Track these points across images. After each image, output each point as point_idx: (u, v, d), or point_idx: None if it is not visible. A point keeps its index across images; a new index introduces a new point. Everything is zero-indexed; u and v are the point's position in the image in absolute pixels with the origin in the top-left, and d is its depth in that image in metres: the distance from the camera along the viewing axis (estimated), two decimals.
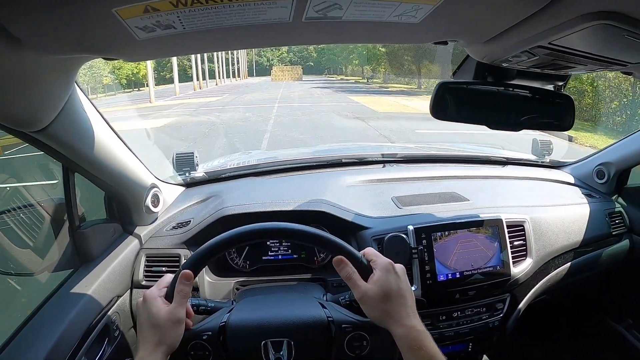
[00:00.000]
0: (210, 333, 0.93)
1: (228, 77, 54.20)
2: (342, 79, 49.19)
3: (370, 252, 0.92)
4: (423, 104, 18.10)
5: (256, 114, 14.98)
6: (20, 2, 0.50)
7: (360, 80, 43.90)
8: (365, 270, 0.88)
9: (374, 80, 42.20)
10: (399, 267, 0.88)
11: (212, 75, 44.58)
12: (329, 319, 0.98)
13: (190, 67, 39.41)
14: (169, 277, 0.91)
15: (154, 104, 22.62)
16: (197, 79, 37.67)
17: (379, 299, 0.84)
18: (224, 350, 0.94)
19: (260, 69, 77.74)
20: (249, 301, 1.09)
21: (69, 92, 0.96)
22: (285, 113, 15.45)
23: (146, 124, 14.42)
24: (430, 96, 1.08)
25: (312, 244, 0.95)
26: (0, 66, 0.67)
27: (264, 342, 0.94)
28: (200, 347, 0.92)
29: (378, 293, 0.84)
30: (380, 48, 33.31)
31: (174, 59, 29.21)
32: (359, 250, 0.93)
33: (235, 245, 0.94)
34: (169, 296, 0.88)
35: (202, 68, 38.23)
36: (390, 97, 24.51)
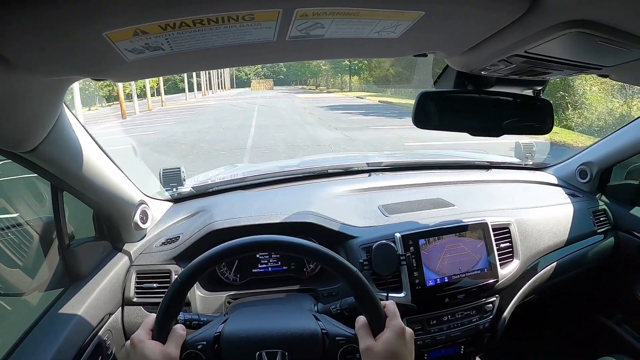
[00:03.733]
0: (204, 343, 0.92)
1: (218, 88, 62.85)
2: (302, 88, 63.70)
3: (390, 308, 0.92)
4: (338, 96, 35.19)
5: (250, 102, 27.96)
6: (12, 24, 0.51)
7: (312, 88, 59.13)
8: (379, 325, 0.89)
9: (321, 87, 57.80)
10: (409, 333, 0.89)
11: (199, 88, 50.42)
12: (323, 331, 0.98)
13: (182, 81, 46.89)
14: (152, 318, 0.90)
15: (198, 99, 37.97)
16: (206, 89, 49.03)
17: (381, 358, 0.85)
18: None
19: (240, 82, 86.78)
20: (243, 312, 1.09)
21: (58, 112, 0.96)
22: (263, 101, 28.71)
23: (215, 98, 33.14)
24: (412, 106, 1.10)
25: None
26: None
27: (258, 353, 0.93)
28: (194, 357, 0.92)
29: (382, 352, 0.85)
30: (322, 65, 50.92)
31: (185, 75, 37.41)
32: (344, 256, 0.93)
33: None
34: (159, 336, 0.87)
35: (197, 81, 45.91)
36: (321, 94, 39.47)
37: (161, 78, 31.42)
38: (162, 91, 32.49)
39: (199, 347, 0.92)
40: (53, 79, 0.77)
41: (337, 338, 0.96)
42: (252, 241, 0.92)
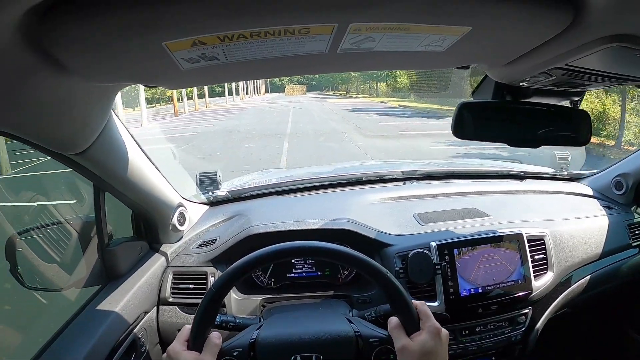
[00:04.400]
0: (240, 349, 0.94)
1: (254, 93, 67.25)
2: (333, 93, 70.22)
3: (423, 309, 0.92)
4: (364, 100, 39.60)
5: (286, 105, 31.59)
6: (71, 32, 0.52)
7: (342, 94, 64.68)
8: (413, 325, 0.90)
9: (351, 93, 62.70)
10: (444, 334, 0.90)
11: (237, 93, 54.62)
12: (357, 333, 0.99)
13: (218, 86, 49.82)
14: (187, 329, 0.92)
15: (236, 102, 43.48)
16: (243, 93, 55.61)
17: (418, 357, 0.86)
18: None
19: (274, 87, 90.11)
20: (277, 317, 1.11)
21: (108, 116, 1.00)
22: (297, 105, 32.05)
23: (253, 101, 41.40)
24: (452, 116, 1.11)
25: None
26: (48, 92, 0.70)
27: (293, 357, 0.94)
28: None
29: (418, 351, 0.86)
30: (352, 73, 49.70)
31: None
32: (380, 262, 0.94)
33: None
34: (195, 346, 0.89)
35: (235, 86, 50.28)
36: (350, 99, 44.28)
37: None
38: (207, 94, 38.75)
39: (234, 354, 0.93)
40: (106, 85, 0.79)
41: (370, 340, 0.97)
42: (279, 249, 0.93)
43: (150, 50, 0.58)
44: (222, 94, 50.18)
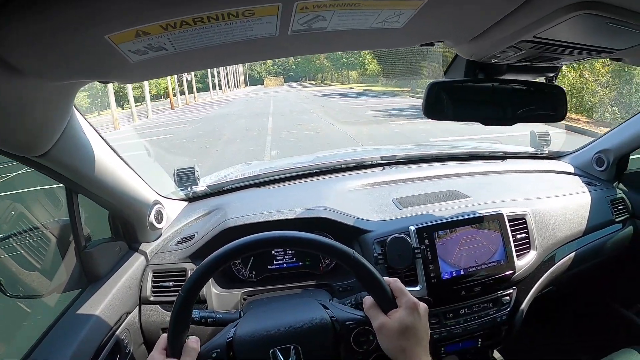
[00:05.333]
0: (219, 350, 0.93)
1: (234, 87, 70.92)
2: (309, 83, 73.53)
3: (396, 286, 0.92)
4: (336, 87, 42.73)
5: (266, 95, 35.09)
6: (14, 32, 0.51)
7: (318, 83, 68.12)
8: (389, 303, 0.89)
9: (326, 81, 66.10)
10: (422, 308, 0.89)
11: (220, 87, 57.17)
12: (332, 318, 0.99)
13: (197, 82, 54.21)
14: (164, 337, 0.91)
15: (220, 95, 47.03)
16: (225, 87, 59.72)
17: (397, 334, 0.85)
18: None
19: (253, 80, 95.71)
20: (253, 313, 1.10)
21: (69, 116, 0.97)
22: (276, 95, 35.41)
23: (235, 94, 47.62)
24: (422, 97, 1.09)
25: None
26: (2, 95, 0.68)
27: (272, 350, 0.94)
28: None
29: (397, 328, 0.85)
30: (325, 62, 59.67)
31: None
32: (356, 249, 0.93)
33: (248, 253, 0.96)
34: (173, 353, 0.88)
35: (218, 80, 54.59)
36: (323, 87, 48.43)
37: (193, 79, 40.15)
38: (195, 89, 42.66)
39: (213, 355, 0.93)
40: (61, 83, 0.77)
41: (347, 323, 0.97)
42: (241, 244, 0.91)
43: (94, 44, 0.58)
44: (203, 90, 53.74)
